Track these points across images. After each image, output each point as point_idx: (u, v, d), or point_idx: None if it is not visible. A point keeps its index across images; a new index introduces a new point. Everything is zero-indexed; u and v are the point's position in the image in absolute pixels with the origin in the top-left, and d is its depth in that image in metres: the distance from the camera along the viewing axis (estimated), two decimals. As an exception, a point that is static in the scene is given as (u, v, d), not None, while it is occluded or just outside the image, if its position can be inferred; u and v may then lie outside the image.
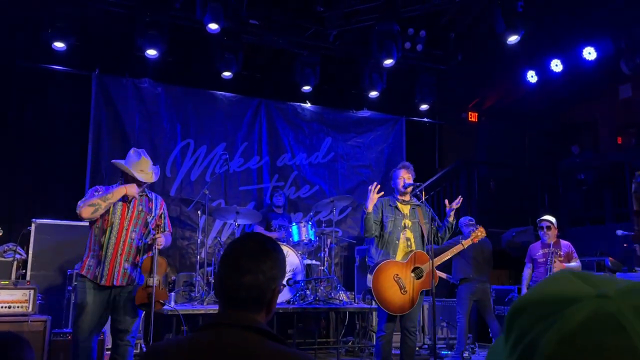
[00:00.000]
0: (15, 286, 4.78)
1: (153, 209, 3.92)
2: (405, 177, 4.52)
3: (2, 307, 4.64)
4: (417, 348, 5.93)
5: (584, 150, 9.41)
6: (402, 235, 4.44)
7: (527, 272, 6.03)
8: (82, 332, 3.62)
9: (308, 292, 6.28)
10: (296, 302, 6.08)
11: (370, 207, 4.31)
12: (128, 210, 3.78)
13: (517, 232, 7.69)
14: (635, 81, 8.77)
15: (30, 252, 5.66)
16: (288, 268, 5.57)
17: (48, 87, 7.09)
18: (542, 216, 6.02)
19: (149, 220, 3.87)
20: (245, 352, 1.25)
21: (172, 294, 5.89)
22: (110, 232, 3.72)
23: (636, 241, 6.59)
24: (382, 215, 4.46)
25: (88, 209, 3.63)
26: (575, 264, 5.79)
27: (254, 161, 8.00)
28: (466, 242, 4.70)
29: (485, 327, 6.69)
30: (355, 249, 7.75)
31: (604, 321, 0.52)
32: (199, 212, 6.75)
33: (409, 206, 4.57)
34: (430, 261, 4.27)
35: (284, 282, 5.80)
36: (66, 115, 7.21)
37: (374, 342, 6.52)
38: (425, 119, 9.32)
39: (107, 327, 4.28)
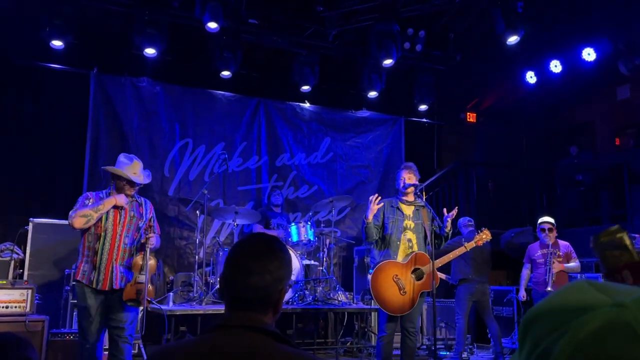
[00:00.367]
0: (13, 286, 4.75)
1: (144, 214, 4.01)
2: (405, 177, 4.52)
3: (-1, 307, 4.61)
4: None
5: (582, 151, 9.42)
6: (403, 236, 4.43)
7: (526, 272, 6.03)
8: (91, 335, 3.71)
9: (307, 292, 6.26)
10: (295, 303, 6.06)
11: (370, 217, 4.32)
12: (120, 217, 3.87)
13: (515, 233, 7.69)
14: (633, 82, 8.78)
15: (28, 251, 5.63)
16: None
17: (46, 85, 7.06)
18: (541, 217, 6.02)
19: (140, 225, 3.96)
20: (254, 354, 1.23)
21: (170, 294, 5.86)
22: (105, 238, 3.80)
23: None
24: (383, 217, 4.46)
25: (80, 219, 3.72)
26: (574, 264, 5.80)
27: (252, 161, 7.98)
28: (469, 245, 4.66)
29: (483, 327, 6.69)
30: (354, 250, 7.73)
31: (619, 330, 0.51)
32: (197, 212, 6.73)
33: (412, 207, 4.54)
34: (431, 263, 4.26)
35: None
36: (64, 113, 7.18)
37: (373, 343, 6.52)
38: (424, 120, 9.32)
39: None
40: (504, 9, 6.52)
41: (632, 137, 9.18)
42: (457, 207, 4.60)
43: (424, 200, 4.65)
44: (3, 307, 4.62)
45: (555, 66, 8.01)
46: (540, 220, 5.94)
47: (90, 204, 3.80)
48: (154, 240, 3.90)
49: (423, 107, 8.55)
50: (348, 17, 7.44)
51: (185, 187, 7.50)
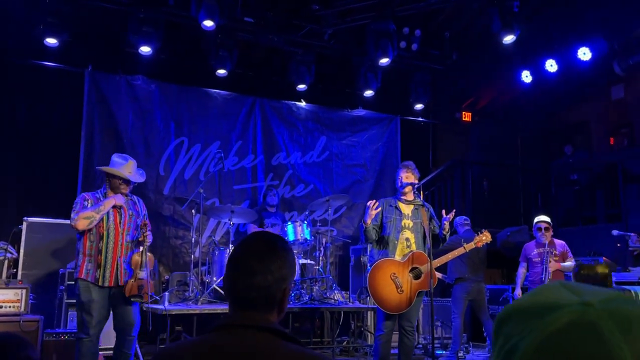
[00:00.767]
0: (7, 286, 4.72)
1: (140, 211, 4.22)
2: (403, 176, 4.52)
3: (-7, 307, 4.57)
4: (412, 347, 5.92)
5: (576, 151, 9.46)
6: (401, 235, 4.42)
7: (522, 271, 6.04)
8: (93, 327, 3.81)
9: (303, 291, 6.25)
10: (291, 302, 6.04)
11: (368, 222, 4.33)
12: (121, 216, 4.04)
13: (511, 232, 7.70)
14: (627, 82, 8.82)
15: (22, 251, 5.59)
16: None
17: (40, 83, 6.99)
18: (538, 216, 6.02)
19: (138, 222, 4.15)
20: (260, 353, 1.22)
21: (166, 293, 5.82)
22: (107, 237, 3.95)
23: None
24: (382, 216, 4.45)
25: (84, 221, 3.86)
26: (570, 263, 5.81)
27: (248, 160, 7.96)
28: (469, 246, 4.65)
29: (479, 326, 6.70)
30: (350, 249, 7.72)
31: (584, 328, 0.53)
32: (192, 210, 6.68)
33: (411, 206, 4.53)
34: (429, 262, 4.25)
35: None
36: (58, 112, 7.11)
37: (369, 342, 6.52)
38: (420, 119, 9.33)
39: (106, 327, 4.28)
40: (500, 8, 6.52)
41: (627, 136, 9.23)
42: (454, 210, 4.59)
43: (421, 198, 4.64)
44: (-3, 307, 4.58)
45: (551, 65, 8.02)
46: (536, 219, 5.95)
47: (90, 205, 3.94)
48: (150, 237, 4.12)
49: (419, 106, 8.55)
50: (344, 15, 7.42)
51: (181, 186, 7.46)
